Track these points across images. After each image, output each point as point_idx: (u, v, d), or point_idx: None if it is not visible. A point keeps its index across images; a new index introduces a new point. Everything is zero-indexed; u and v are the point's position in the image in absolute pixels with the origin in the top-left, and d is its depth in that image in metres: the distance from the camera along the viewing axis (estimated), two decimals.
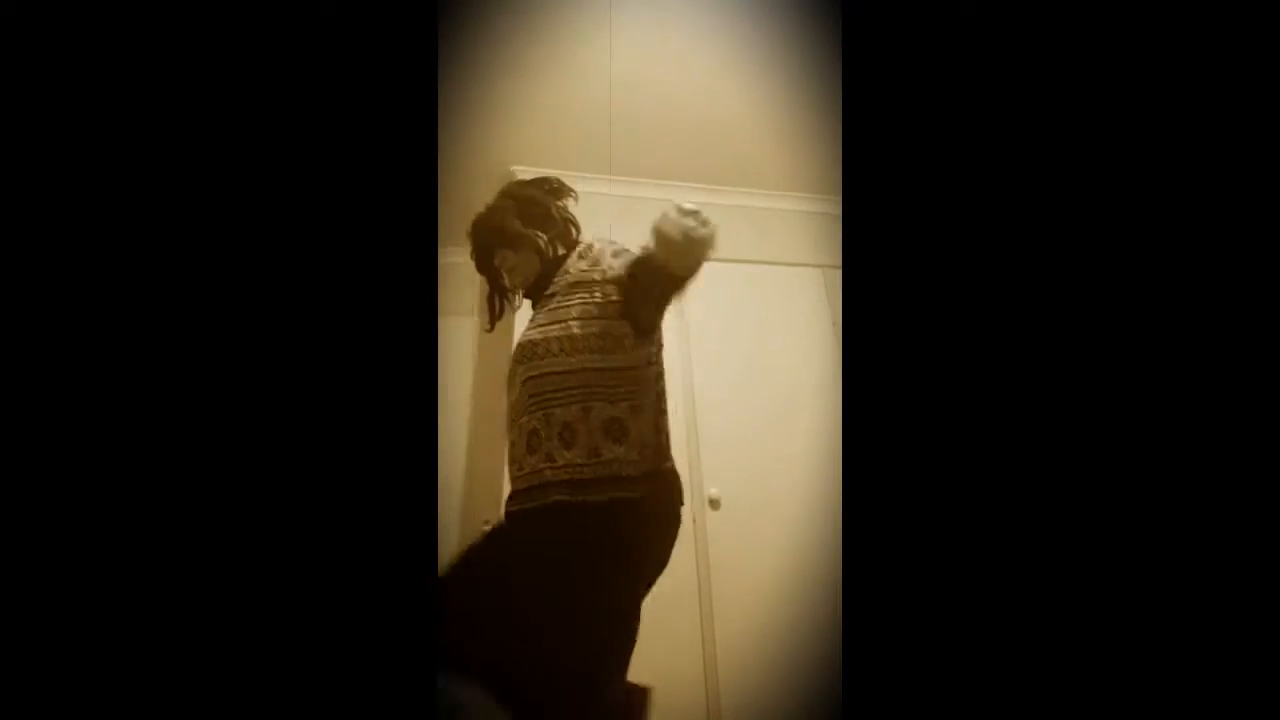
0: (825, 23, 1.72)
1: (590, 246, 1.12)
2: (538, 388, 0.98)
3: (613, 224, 2.28)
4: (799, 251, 2.38)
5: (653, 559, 0.96)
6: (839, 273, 2.34)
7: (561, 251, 1.17)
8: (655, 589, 0.98)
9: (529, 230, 1.16)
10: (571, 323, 1.00)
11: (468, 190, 2.33)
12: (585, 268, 1.07)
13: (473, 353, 2.64)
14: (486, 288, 1.25)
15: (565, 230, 1.20)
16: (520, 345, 1.04)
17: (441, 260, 2.66)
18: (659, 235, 0.87)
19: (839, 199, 2.47)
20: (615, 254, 1.08)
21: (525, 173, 2.27)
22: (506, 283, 1.20)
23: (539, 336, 1.02)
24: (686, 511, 0.94)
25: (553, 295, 1.07)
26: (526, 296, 1.19)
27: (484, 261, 1.20)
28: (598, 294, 1.03)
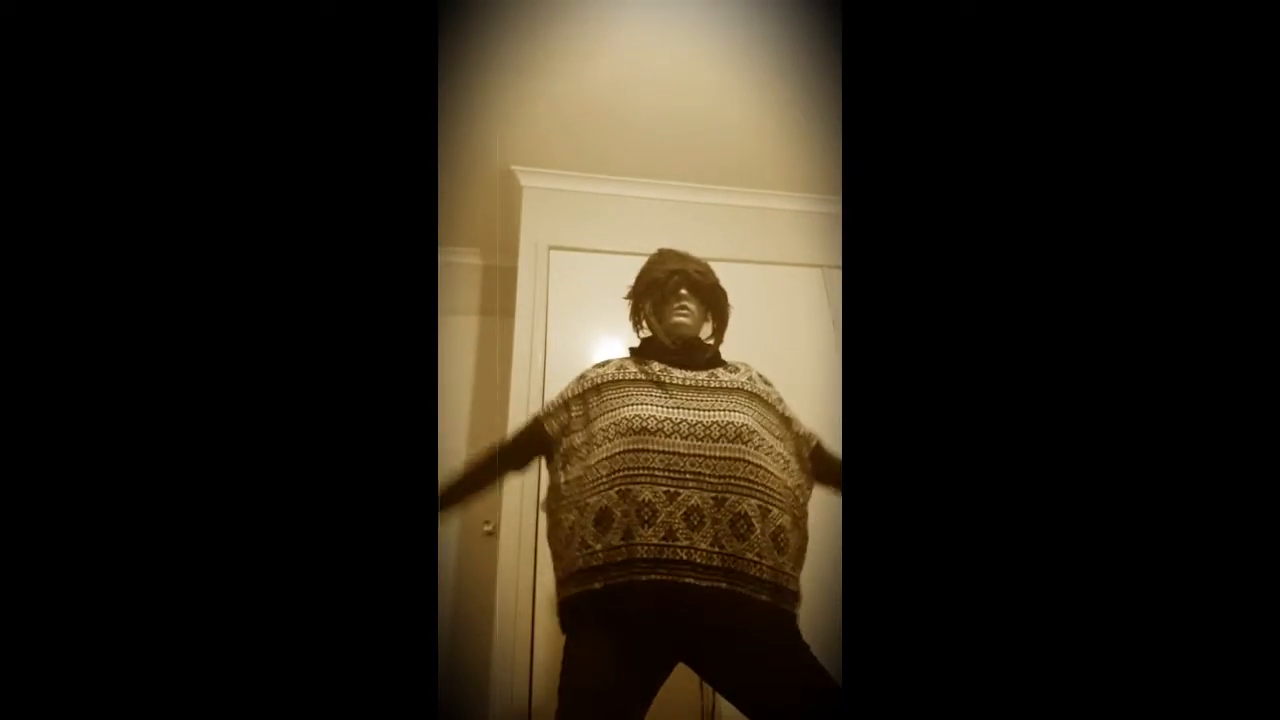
0: (825, 23, 1.72)
1: (738, 367, 1.20)
2: (669, 464, 0.98)
3: (614, 223, 2.28)
4: (799, 251, 2.37)
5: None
6: (839, 273, 2.34)
7: (716, 349, 1.26)
8: None
9: (728, 305, 1.27)
10: (735, 411, 1.05)
11: (468, 189, 2.33)
12: (743, 380, 1.14)
13: (473, 353, 2.64)
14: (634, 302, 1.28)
15: (722, 335, 1.30)
16: (648, 418, 1.03)
17: (441, 260, 2.66)
18: None
19: (839, 199, 2.47)
20: (764, 378, 1.21)
21: (525, 173, 2.26)
22: (667, 317, 1.20)
23: (689, 418, 1.03)
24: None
25: (702, 388, 1.11)
26: (664, 355, 1.18)
27: (661, 290, 1.21)
28: (758, 405, 1.11)
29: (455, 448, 2.46)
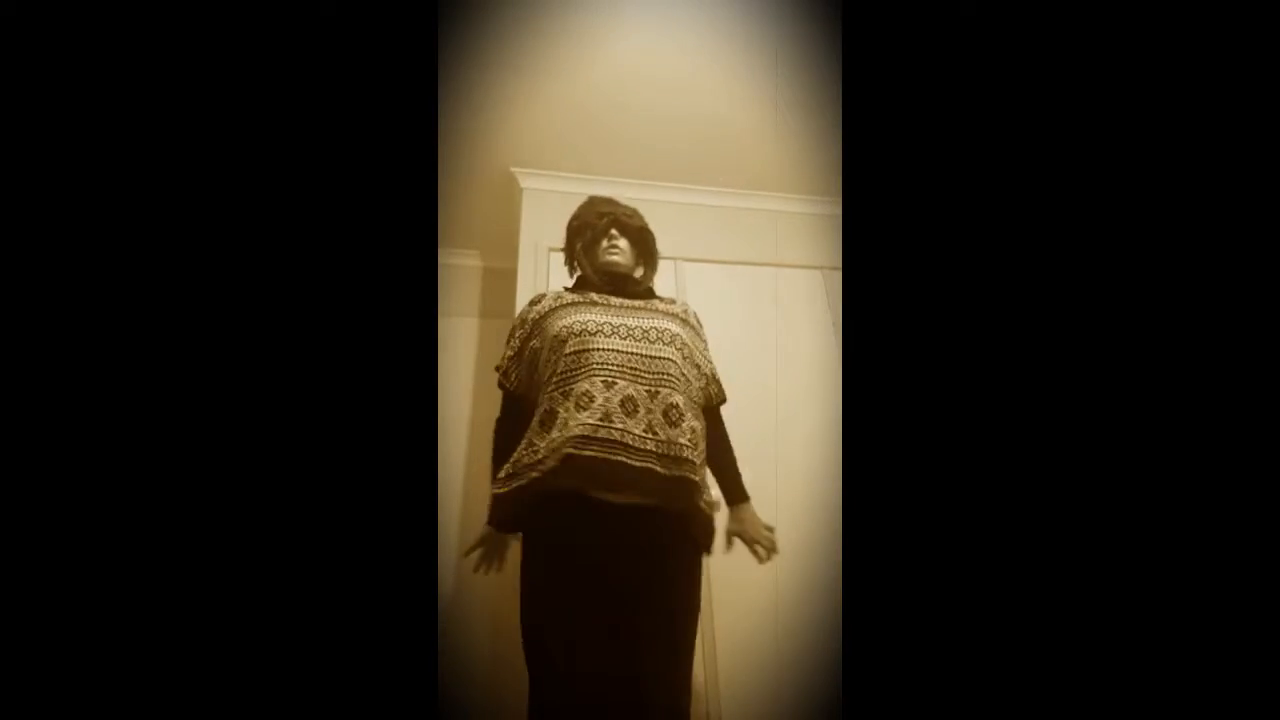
0: (825, 23, 1.72)
1: (674, 300, 1.29)
2: (606, 359, 1.05)
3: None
4: (799, 253, 2.37)
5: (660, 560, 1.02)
6: (839, 274, 2.33)
7: (649, 285, 1.33)
8: None
9: (655, 248, 1.33)
10: (668, 324, 1.14)
11: (468, 190, 2.33)
12: (677, 310, 1.23)
13: (473, 353, 2.63)
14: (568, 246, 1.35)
15: (651, 274, 1.34)
16: (590, 323, 1.10)
17: (441, 261, 2.66)
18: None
19: (839, 200, 2.46)
20: (697, 318, 1.30)
21: (525, 174, 2.26)
22: (598, 256, 1.27)
23: (627, 322, 1.11)
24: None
25: (637, 308, 1.18)
26: (599, 289, 1.25)
27: (592, 230, 1.29)
28: (688, 330, 1.19)
29: (455, 449, 2.46)
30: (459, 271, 2.72)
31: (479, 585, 2.23)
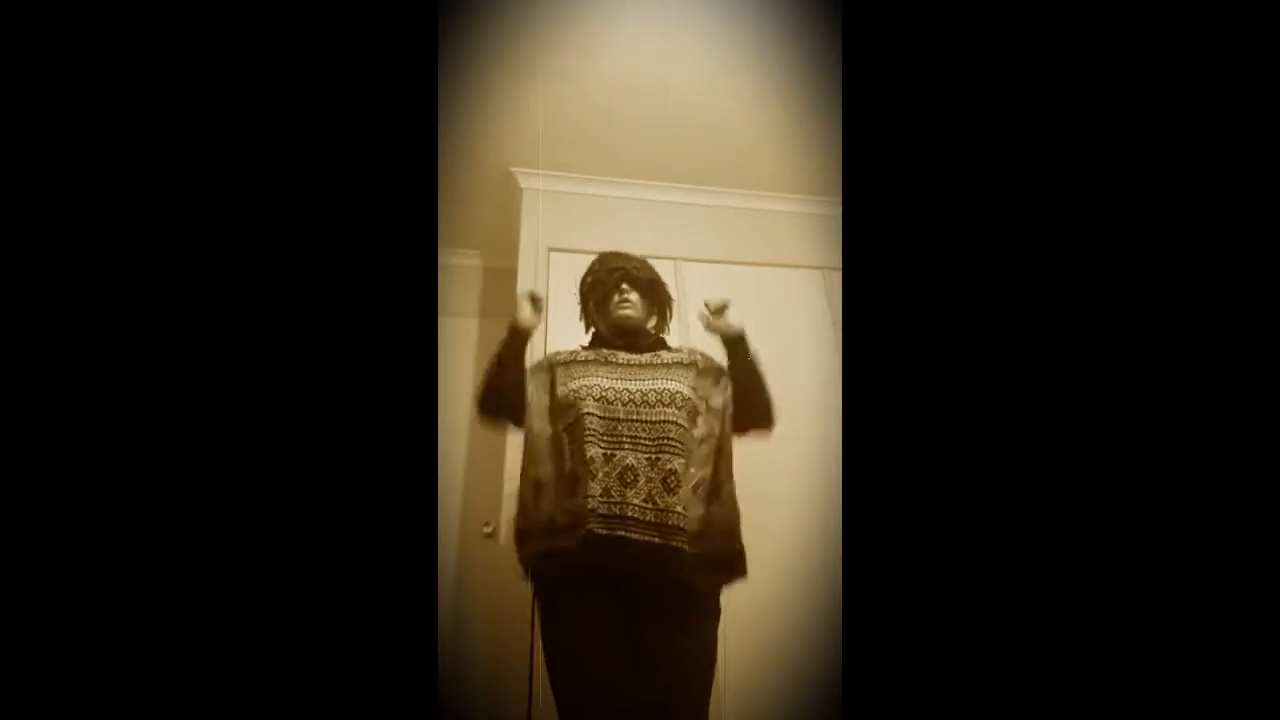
0: (825, 23, 1.72)
1: (680, 348, 1.31)
2: (607, 428, 1.09)
3: (614, 225, 2.28)
4: (799, 253, 2.37)
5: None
6: (839, 274, 2.33)
7: (661, 335, 1.37)
8: None
9: (668, 297, 1.37)
10: (670, 383, 1.16)
11: (468, 191, 2.33)
12: (685, 360, 1.25)
13: (473, 353, 2.64)
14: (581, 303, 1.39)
15: (665, 324, 1.40)
16: (598, 388, 1.14)
17: (442, 261, 2.66)
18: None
19: (839, 200, 2.47)
20: (704, 355, 1.30)
21: (525, 175, 2.27)
22: (610, 311, 1.30)
23: (630, 388, 1.15)
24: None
25: (643, 366, 1.21)
26: (611, 344, 1.28)
27: (604, 287, 1.32)
28: (691, 373, 1.21)
29: (455, 450, 2.46)
30: (459, 271, 2.72)
31: (479, 587, 2.23)
